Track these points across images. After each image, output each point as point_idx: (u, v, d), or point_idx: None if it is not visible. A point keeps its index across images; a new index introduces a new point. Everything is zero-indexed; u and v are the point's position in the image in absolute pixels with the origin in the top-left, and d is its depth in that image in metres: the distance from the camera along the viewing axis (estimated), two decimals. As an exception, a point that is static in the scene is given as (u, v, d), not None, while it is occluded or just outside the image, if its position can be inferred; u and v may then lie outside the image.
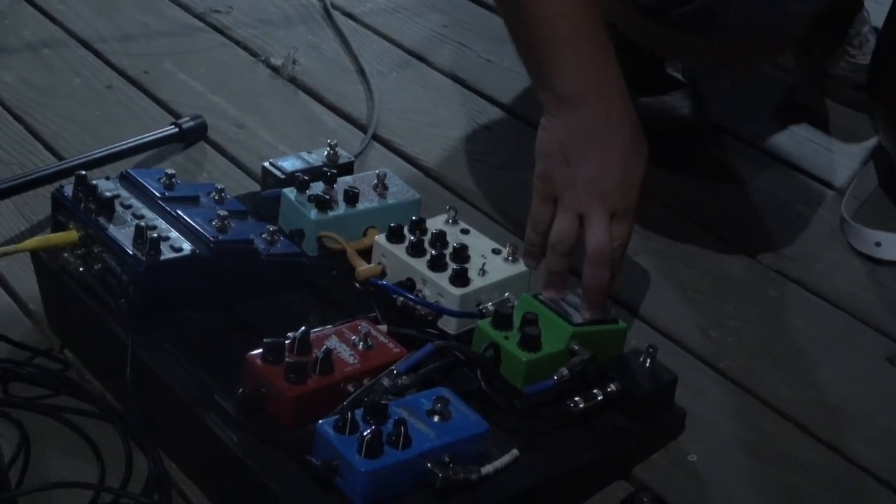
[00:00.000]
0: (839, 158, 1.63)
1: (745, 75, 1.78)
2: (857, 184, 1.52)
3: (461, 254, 1.20)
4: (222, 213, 1.16)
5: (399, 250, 1.21)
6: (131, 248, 1.11)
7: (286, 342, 1.04)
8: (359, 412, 0.98)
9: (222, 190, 1.22)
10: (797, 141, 1.66)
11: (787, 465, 1.15)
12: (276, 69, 1.73)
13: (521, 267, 1.21)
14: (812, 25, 1.38)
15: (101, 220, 1.14)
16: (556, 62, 1.15)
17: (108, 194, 1.16)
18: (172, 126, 1.52)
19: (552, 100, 1.16)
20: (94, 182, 1.17)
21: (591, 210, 1.14)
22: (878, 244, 1.42)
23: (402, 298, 1.17)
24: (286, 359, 1.03)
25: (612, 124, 1.15)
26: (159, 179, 1.21)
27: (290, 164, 1.31)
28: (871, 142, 1.64)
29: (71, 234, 1.16)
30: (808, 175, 1.59)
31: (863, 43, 1.69)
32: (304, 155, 1.33)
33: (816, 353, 1.30)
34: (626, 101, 1.16)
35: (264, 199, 1.28)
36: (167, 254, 1.11)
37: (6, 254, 1.18)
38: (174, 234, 1.14)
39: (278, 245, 1.18)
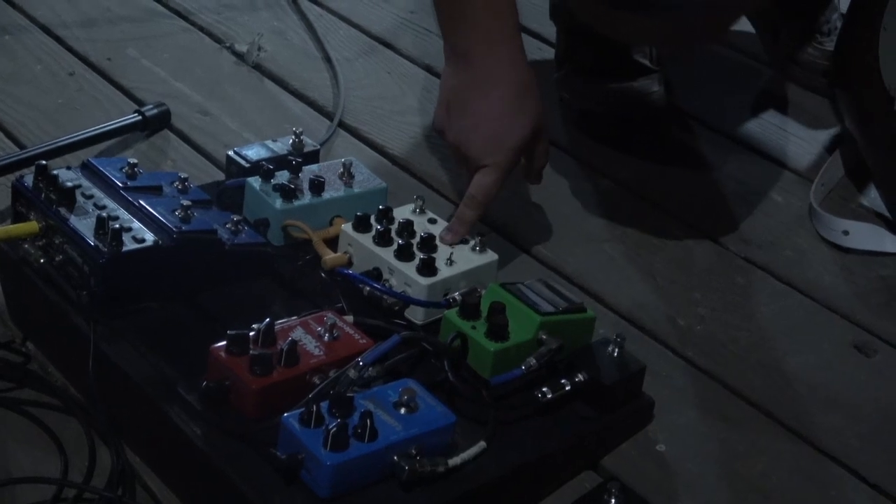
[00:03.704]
0: (807, 145, 1.63)
1: (711, 61, 1.78)
2: (825, 171, 1.52)
3: (428, 243, 1.19)
4: (185, 202, 1.15)
5: (366, 239, 1.20)
6: (93, 239, 1.09)
7: (251, 334, 1.03)
8: (324, 405, 0.97)
9: (185, 179, 1.21)
10: (765, 128, 1.66)
11: (755, 453, 1.15)
12: (240, 55, 1.71)
13: (489, 256, 1.21)
14: (763, 5, 1.38)
15: (62, 210, 1.13)
16: (454, 17, 1.24)
17: (69, 184, 1.14)
18: (135, 114, 1.51)
19: (447, 51, 1.27)
20: (55, 172, 1.16)
21: (457, 159, 1.28)
22: (845, 233, 1.42)
23: (368, 288, 1.17)
24: (251, 351, 1.02)
25: (493, 83, 1.23)
26: (121, 169, 1.19)
27: (254, 152, 1.30)
28: (839, 128, 1.64)
29: (31, 225, 1.14)
30: (776, 162, 1.59)
31: (831, 30, 1.69)
32: (269, 143, 1.32)
33: (784, 340, 1.30)
34: (515, 63, 1.24)
35: (228, 189, 1.27)
36: (129, 245, 1.09)
37: (-35, 245, 1.16)
38: (136, 224, 1.12)
39: (243, 235, 1.17)
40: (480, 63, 1.24)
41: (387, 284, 1.17)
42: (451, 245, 1.20)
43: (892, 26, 1.37)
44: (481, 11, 1.23)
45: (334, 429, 0.94)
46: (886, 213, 1.47)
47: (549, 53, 1.72)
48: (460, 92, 1.25)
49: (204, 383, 1.02)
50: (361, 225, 1.21)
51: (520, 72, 1.25)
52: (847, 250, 1.43)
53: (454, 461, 0.99)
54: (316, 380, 1.02)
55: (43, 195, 1.14)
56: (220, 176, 1.38)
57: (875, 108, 1.42)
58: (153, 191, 1.18)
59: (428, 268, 1.16)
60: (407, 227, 1.20)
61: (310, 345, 1.05)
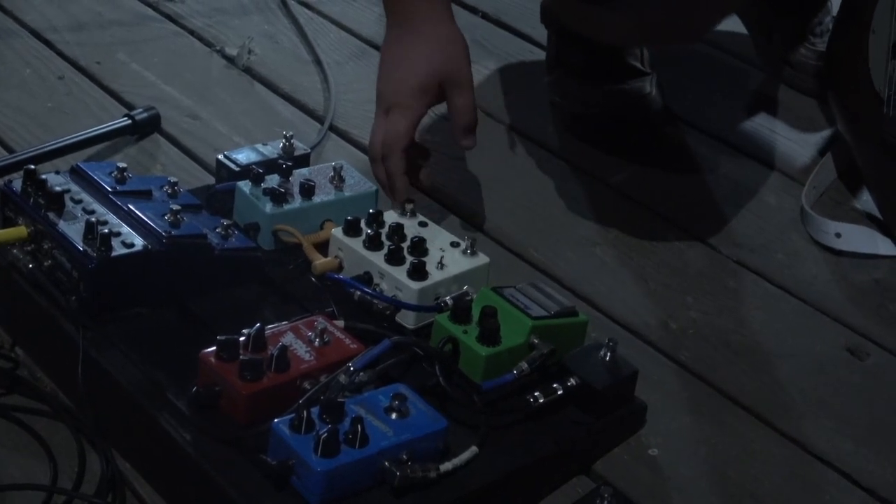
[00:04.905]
0: (799, 148, 1.63)
1: (703, 64, 1.78)
2: (817, 174, 1.52)
3: (419, 247, 1.19)
4: (175, 207, 1.14)
5: (356, 244, 1.19)
6: (81, 244, 1.09)
7: (241, 339, 1.02)
8: (315, 410, 0.97)
9: (175, 183, 1.20)
10: (757, 130, 1.66)
11: (747, 457, 1.15)
12: (230, 59, 1.71)
13: (480, 260, 1.20)
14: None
15: (51, 215, 1.12)
16: None
17: (57, 189, 1.14)
18: (125, 118, 1.50)
19: (387, 28, 1.35)
20: (44, 176, 1.15)
21: (377, 108, 1.31)
22: (838, 235, 1.42)
23: (359, 293, 1.16)
24: (241, 356, 1.01)
25: (422, 39, 1.30)
26: (110, 173, 1.19)
27: (244, 156, 1.30)
28: (831, 130, 1.64)
29: (20, 230, 1.14)
30: (768, 165, 1.59)
31: (824, 32, 1.69)
32: (260, 147, 1.32)
33: (776, 344, 1.30)
34: (446, 26, 1.31)
35: (218, 193, 1.27)
36: (118, 250, 1.09)
37: (-47, 250, 1.16)
38: (126, 229, 1.12)
39: (233, 239, 1.17)
40: (419, 26, 1.30)
41: (377, 289, 1.17)
42: (401, 208, 1.25)
43: (881, 28, 1.37)
44: None
45: (325, 434, 0.94)
46: (879, 216, 1.47)
47: (539, 56, 1.72)
48: (394, 51, 1.31)
49: (194, 389, 1.01)
50: (352, 229, 1.20)
51: (448, 30, 1.31)
52: (839, 253, 1.42)
53: (446, 467, 0.99)
54: (306, 385, 1.02)
55: (32, 200, 1.14)
56: (210, 180, 1.37)
57: (865, 110, 1.42)
58: (143, 195, 1.18)
59: (418, 272, 1.16)
60: (397, 231, 1.20)
61: (300, 350, 1.04)
